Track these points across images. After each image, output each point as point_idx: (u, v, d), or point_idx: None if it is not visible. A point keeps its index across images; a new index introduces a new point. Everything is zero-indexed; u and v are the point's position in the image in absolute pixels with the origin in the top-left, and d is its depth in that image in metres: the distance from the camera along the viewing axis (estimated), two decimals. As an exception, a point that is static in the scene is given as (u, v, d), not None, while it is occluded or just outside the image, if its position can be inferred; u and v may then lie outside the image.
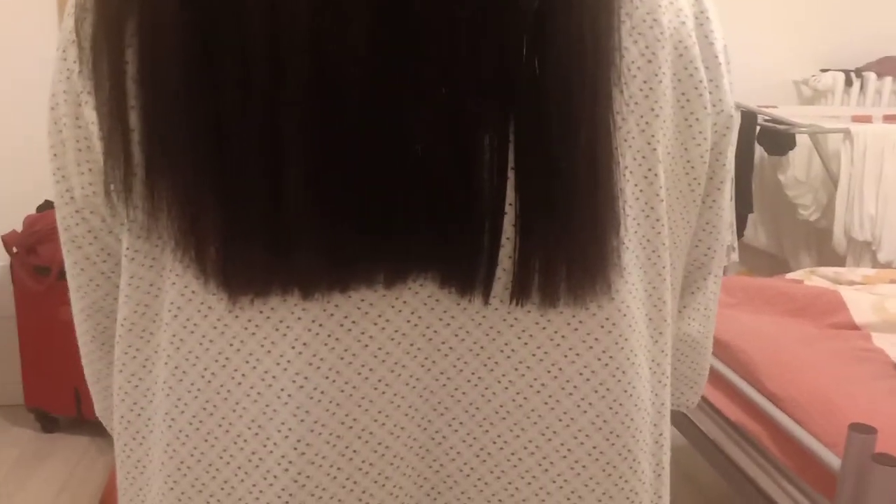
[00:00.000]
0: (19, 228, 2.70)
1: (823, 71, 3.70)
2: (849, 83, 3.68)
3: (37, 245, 2.62)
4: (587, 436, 0.53)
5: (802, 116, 3.13)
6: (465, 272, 0.48)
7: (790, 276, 2.52)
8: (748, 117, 3.05)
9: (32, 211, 2.71)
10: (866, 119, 3.21)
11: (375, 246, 0.47)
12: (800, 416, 1.67)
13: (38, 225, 2.62)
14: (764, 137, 3.05)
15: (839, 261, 3.03)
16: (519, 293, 0.49)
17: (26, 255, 2.64)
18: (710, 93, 0.56)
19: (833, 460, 1.50)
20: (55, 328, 2.54)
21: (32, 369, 2.72)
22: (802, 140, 3.06)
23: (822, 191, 3.15)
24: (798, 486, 1.65)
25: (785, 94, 3.73)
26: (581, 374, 0.52)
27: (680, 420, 2.08)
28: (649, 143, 0.52)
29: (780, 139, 3.00)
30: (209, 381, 0.51)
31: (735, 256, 3.11)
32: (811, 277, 2.44)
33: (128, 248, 0.53)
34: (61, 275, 2.48)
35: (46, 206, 2.69)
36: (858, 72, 3.70)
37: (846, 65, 3.72)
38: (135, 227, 0.51)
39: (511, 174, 0.47)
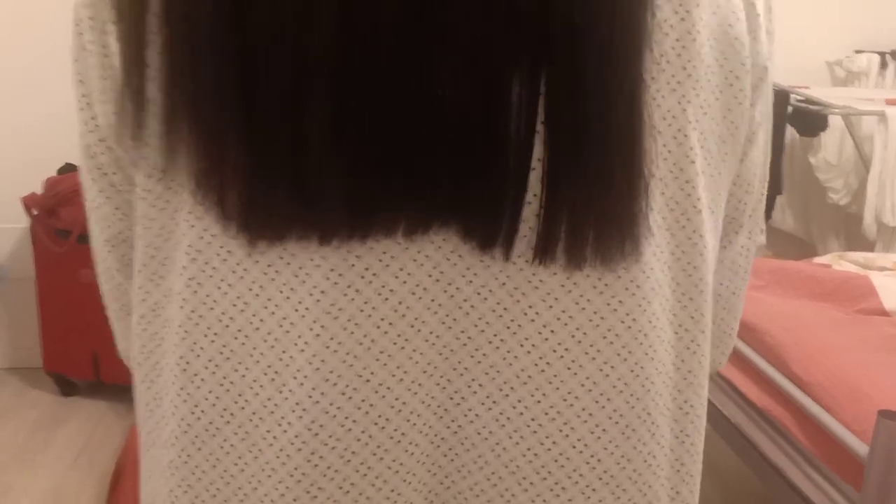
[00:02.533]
0: (40, 191, 2.70)
1: (858, 52, 3.63)
2: (884, 65, 3.61)
3: (57, 207, 2.62)
4: (608, 399, 0.52)
5: (836, 98, 3.07)
6: (486, 227, 0.47)
7: (818, 260, 2.48)
8: (780, 97, 2.99)
9: (53, 173, 2.71)
10: (901, 102, 3.14)
11: (397, 194, 0.46)
12: (826, 401, 1.64)
13: (59, 187, 2.62)
14: (796, 118, 3.00)
15: (868, 247, 2.98)
16: (543, 253, 0.48)
17: (47, 218, 2.64)
18: (749, 46, 0.54)
19: (860, 447, 1.47)
20: (75, 291, 2.54)
21: (52, 333, 2.74)
22: (835, 122, 3.00)
23: (854, 175, 3.10)
24: (823, 473, 1.62)
25: (818, 75, 3.66)
26: (605, 337, 0.51)
27: (702, 402, 2.05)
28: (679, 103, 0.51)
29: (812, 120, 2.95)
30: (227, 326, 0.51)
31: (763, 239, 3.06)
32: (840, 262, 2.40)
33: (139, 188, 0.52)
34: (81, 238, 2.52)
35: (68, 169, 2.69)
36: (894, 54, 3.62)
37: (881, 47, 3.65)
38: (146, 166, 0.51)
39: (541, 127, 0.46)
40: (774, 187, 3.06)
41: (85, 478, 2.40)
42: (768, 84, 0.58)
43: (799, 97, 3.03)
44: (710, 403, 1.99)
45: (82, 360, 2.68)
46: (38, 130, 2.80)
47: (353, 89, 0.44)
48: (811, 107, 2.96)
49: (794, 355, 1.79)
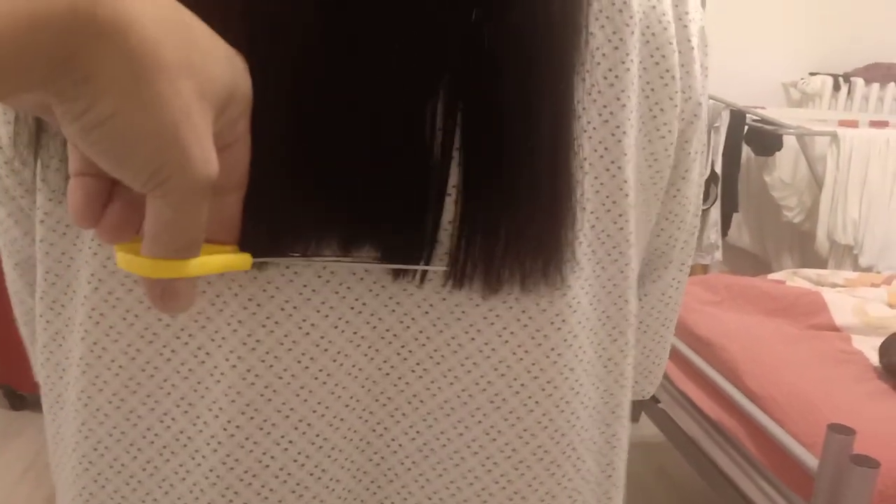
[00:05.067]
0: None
1: (812, 74, 3.72)
2: (837, 87, 3.70)
3: (10, 217, 2.57)
4: (532, 435, 0.51)
5: (790, 119, 3.14)
6: (402, 251, 0.45)
7: (773, 276, 2.52)
8: (737, 117, 3.05)
9: None
10: (853, 124, 3.22)
11: (319, 215, 0.43)
12: (779, 415, 1.66)
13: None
14: (752, 138, 3.06)
15: (821, 263, 3.04)
16: (458, 277, 0.46)
17: (-1, 228, 2.59)
18: (680, 79, 0.52)
19: (811, 460, 1.50)
20: (26, 303, 2.49)
21: (0, 345, 2.67)
22: (789, 142, 3.07)
23: (807, 193, 3.17)
24: (775, 485, 1.64)
25: (774, 96, 3.74)
26: (529, 371, 0.50)
27: (658, 416, 2.07)
28: (613, 135, 0.49)
29: (767, 140, 3.01)
30: (133, 358, 0.48)
31: (718, 255, 3.11)
32: (793, 278, 2.44)
33: (39, 210, 0.48)
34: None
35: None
36: (847, 76, 3.72)
37: (835, 69, 3.74)
38: (46, 189, 0.48)
39: (457, 153, 0.44)
40: (731, 205, 3.11)
41: (32, 493, 2.33)
42: (703, 120, 0.56)
43: (755, 117, 3.09)
44: (666, 416, 2.01)
45: (32, 373, 2.61)
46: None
47: (276, 106, 0.41)
48: (766, 127, 3.02)
49: (748, 370, 1.82)
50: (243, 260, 0.41)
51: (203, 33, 0.34)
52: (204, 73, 0.33)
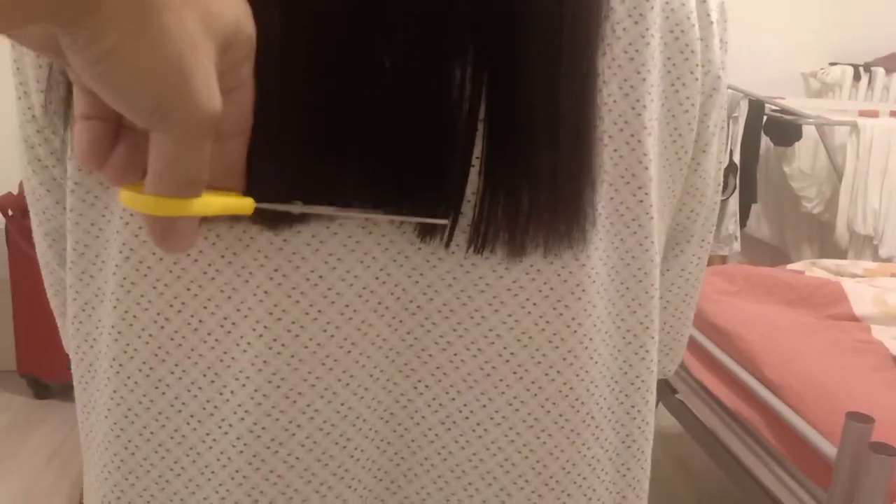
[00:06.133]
0: (15, 191, 2.68)
1: (832, 64, 3.68)
2: (857, 77, 3.67)
3: (33, 209, 2.60)
4: (553, 404, 0.52)
5: (810, 109, 3.11)
6: (423, 209, 0.45)
7: (792, 266, 2.51)
8: (756, 106, 3.03)
9: (30, 175, 2.69)
10: (873, 114, 3.19)
11: (344, 178, 0.44)
12: (797, 404, 1.66)
13: (35, 189, 2.60)
14: (771, 128, 3.04)
15: (840, 254, 3.02)
16: (481, 242, 0.46)
17: (22, 218, 2.62)
18: (700, 53, 0.53)
19: (829, 449, 1.50)
20: (50, 293, 2.52)
21: (25, 335, 2.71)
22: (809, 132, 3.05)
23: (827, 184, 3.14)
24: (793, 474, 1.64)
25: (793, 86, 3.71)
26: (550, 341, 0.51)
27: (675, 406, 2.07)
28: (633, 108, 0.50)
29: (786, 130, 2.99)
30: (162, 327, 0.49)
31: (737, 246, 3.10)
32: (812, 269, 2.43)
33: (69, 179, 0.49)
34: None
35: (44, 171, 2.67)
36: (867, 66, 3.68)
37: (855, 59, 3.70)
38: (75, 158, 0.48)
39: (484, 115, 0.44)
40: (750, 195, 3.10)
41: (57, 480, 2.37)
42: (722, 94, 0.57)
43: (774, 107, 3.07)
44: (683, 406, 2.02)
45: (56, 363, 2.65)
46: (12, 133, 2.77)
47: (299, 66, 0.42)
48: (786, 117, 3.00)
49: (766, 359, 1.81)
50: (245, 203, 0.41)
51: None
52: (206, 7, 0.33)
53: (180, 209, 0.35)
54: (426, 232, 0.46)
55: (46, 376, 2.77)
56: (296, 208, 0.44)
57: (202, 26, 0.32)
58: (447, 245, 0.47)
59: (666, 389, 2.07)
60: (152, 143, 0.33)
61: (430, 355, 0.50)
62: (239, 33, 0.36)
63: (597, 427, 0.54)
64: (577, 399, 0.52)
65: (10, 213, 2.65)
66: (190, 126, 0.33)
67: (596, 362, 0.53)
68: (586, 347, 0.52)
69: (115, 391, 0.51)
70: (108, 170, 0.37)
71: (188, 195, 0.35)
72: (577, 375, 0.52)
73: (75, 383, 0.55)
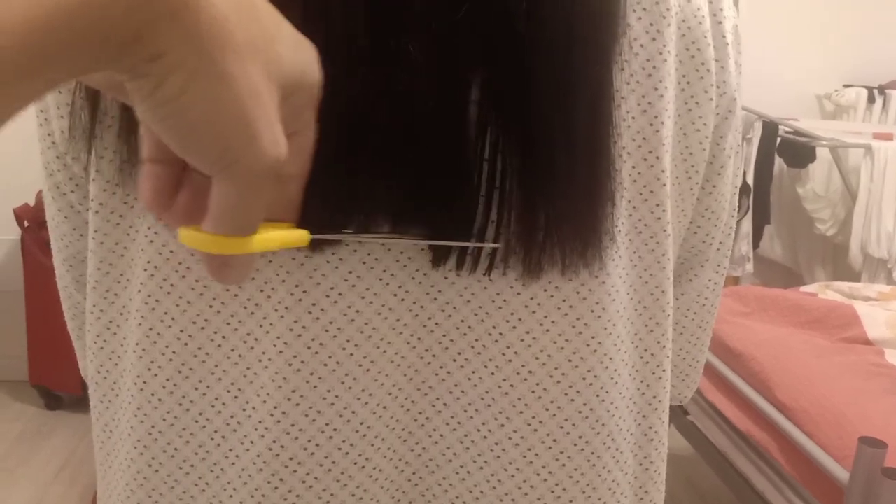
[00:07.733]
0: (32, 202, 2.70)
1: (847, 86, 3.68)
2: (871, 100, 3.66)
3: (49, 221, 2.62)
4: (573, 425, 0.51)
5: (824, 130, 3.11)
6: (450, 229, 0.45)
7: (804, 288, 2.50)
8: (769, 128, 3.03)
9: (47, 187, 2.72)
10: (888, 136, 3.18)
11: (368, 194, 0.44)
12: (809, 427, 1.65)
13: (51, 201, 2.62)
14: (784, 149, 3.03)
15: (854, 277, 3.00)
16: (494, 262, 0.47)
17: (38, 230, 2.64)
18: (716, 74, 0.53)
19: (841, 473, 1.48)
20: (63, 305, 2.54)
21: (38, 346, 2.72)
22: (823, 154, 3.04)
23: (841, 206, 3.13)
24: (805, 498, 1.63)
25: (807, 108, 3.71)
26: (570, 360, 0.50)
27: (687, 427, 2.06)
28: (651, 125, 0.50)
29: (800, 152, 2.98)
30: (185, 344, 0.49)
31: (750, 267, 3.09)
32: (826, 291, 2.42)
33: (93, 200, 0.50)
34: (72, 252, 2.51)
35: (61, 183, 2.69)
36: (882, 89, 3.68)
37: (870, 81, 3.70)
38: (100, 180, 0.49)
39: (497, 134, 0.44)
40: (763, 217, 3.09)
41: (67, 491, 2.38)
42: (737, 116, 0.56)
43: (788, 129, 3.07)
44: (695, 427, 2.00)
45: (68, 374, 2.66)
46: (31, 142, 2.80)
47: (339, 100, 0.41)
48: (800, 138, 3.00)
49: (778, 381, 1.80)
50: (301, 236, 0.41)
51: (269, 14, 0.34)
52: (270, 54, 0.33)
53: (240, 247, 0.35)
54: (441, 258, 0.47)
55: (58, 387, 2.78)
56: (348, 237, 0.45)
57: (266, 73, 0.32)
58: (459, 267, 0.47)
59: (677, 411, 2.06)
60: (215, 187, 0.33)
61: (448, 373, 0.50)
62: (304, 80, 0.36)
63: (616, 449, 0.53)
64: (597, 420, 0.51)
65: (25, 224, 2.67)
66: (254, 173, 0.33)
67: (616, 382, 0.52)
68: (606, 367, 0.51)
69: (139, 408, 0.51)
70: (172, 215, 0.37)
71: (246, 234, 0.35)
72: (598, 396, 0.51)
73: (95, 402, 0.55)
